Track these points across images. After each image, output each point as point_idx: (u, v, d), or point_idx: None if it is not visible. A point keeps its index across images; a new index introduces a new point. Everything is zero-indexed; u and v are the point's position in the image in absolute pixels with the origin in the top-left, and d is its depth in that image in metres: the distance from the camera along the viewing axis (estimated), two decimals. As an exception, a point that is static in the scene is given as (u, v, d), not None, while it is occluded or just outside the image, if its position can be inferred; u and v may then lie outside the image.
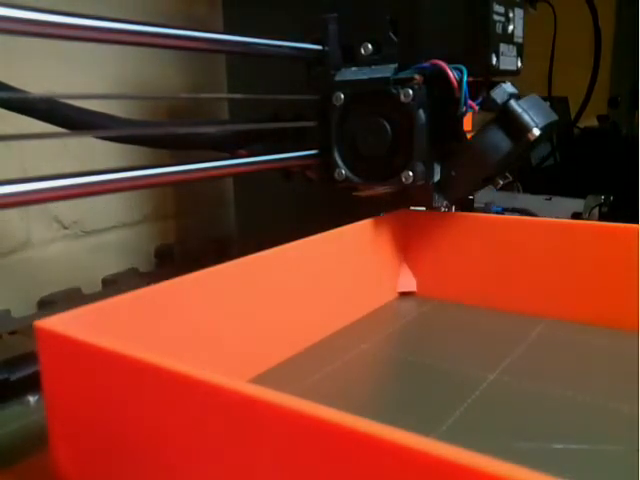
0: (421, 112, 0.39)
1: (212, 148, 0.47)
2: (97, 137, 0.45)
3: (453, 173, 0.41)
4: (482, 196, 0.65)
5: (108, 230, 0.65)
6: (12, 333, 0.47)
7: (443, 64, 0.38)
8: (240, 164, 0.39)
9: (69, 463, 0.23)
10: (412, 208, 0.45)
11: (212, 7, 0.71)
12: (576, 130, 0.90)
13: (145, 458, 0.21)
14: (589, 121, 0.94)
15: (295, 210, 0.59)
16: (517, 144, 0.38)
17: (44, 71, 0.55)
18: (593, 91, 0.81)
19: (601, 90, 0.95)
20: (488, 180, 0.43)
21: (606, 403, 0.30)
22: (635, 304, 0.37)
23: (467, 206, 0.52)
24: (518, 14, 0.42)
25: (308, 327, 0.37)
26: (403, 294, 0.46)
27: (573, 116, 0.86)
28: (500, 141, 0.38)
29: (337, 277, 0.39)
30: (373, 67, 0.41)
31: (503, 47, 0.40)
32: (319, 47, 0.43)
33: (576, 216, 0.64)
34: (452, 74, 0.38)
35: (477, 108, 0.39)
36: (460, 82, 0.38)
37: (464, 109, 0.38)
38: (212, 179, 0.43)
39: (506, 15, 0.40)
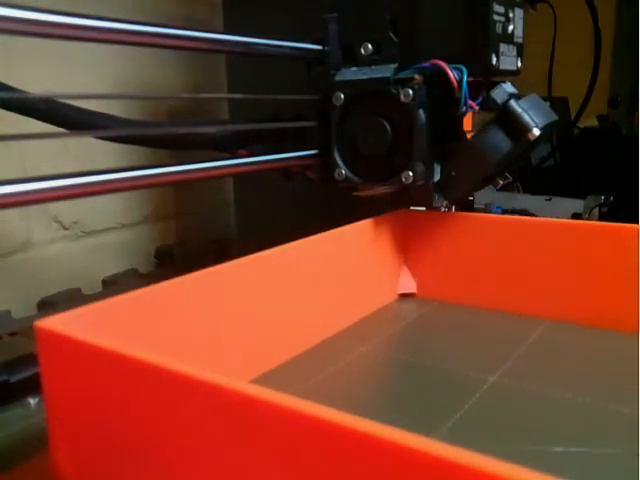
0: (421, 112, 0.39)
1: (212, 148, 0.47)
2: (97, 137, 0.45)
3: (453, 173, 0.41)
4: (482, 197, 0.65)
5: (108, 231, 0.65)
6: (12, 334, 0.46)
7: (443, 64, 0.38)
8: (240, 164, 0.39)
9: (69, 463, 0.23)
10: (412, 208, 0.45)
11: (212, 8, 0.71)
12: (576, 130, 0.90)
13: (145, 458, 0.21)
14: (589, 121, 0.94)
15: (295, 210, 0.59)
16: (517, 144, 0.38)
17: (44, 71, 0.55)
18: (593, 91, 0.81)
19: (601, 90, 0.95)
20: (488, 180, 0.43)
21: (606, 405, 0.29)
22: (635, 306, 0.37)
23: (467, 207, 0.52)
24: (518, 14, 0.42)
25: (308, 328, 0.37)
26: (403, 295, 0.46)
27: (573, 116, 0.86)
28: (500, 141, 0.38)
29: (337, 278, 0.39)
30: (373, 67, 0.41)
31: (503, 47, 0.40)
32: (319, 47, 0.43)
33: (576, 216, 0.64)
34: (452, 74, 0.38)
35: (477, 108, 0.39)
36: (460, 82, 0.38)
37: (464, 109, 0.38)
38: (212, 179, 0.43)
39: (506, 15, 0.40)
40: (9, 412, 0.33)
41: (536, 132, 0.37)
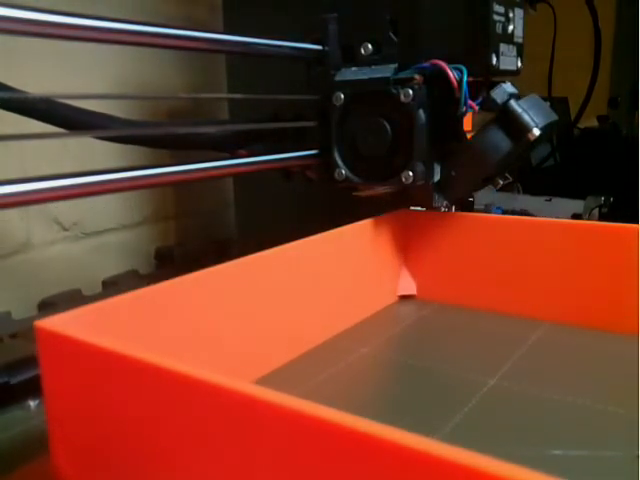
0: (421, 112, 0.39)
1: (212, 148, 0.47)
2: (97, 137, 0.45)
3: (453, 173, 0.41)
4: (482, 197, 0.65)
5: (108, 232, 0.65)
6: (13, 336, 0.46)
7: (443, 64, 0.38)
8: (240, 164, 0.39)
9: (69, 464, 0.23)
10: (412, 208, 0.45)
11: (212, 9, 0.71)
12: (576, 131, 0.90)
13: (145, 458, 0.21)
14: (589, 122, 0.94)
15: (295, 210, 0.59)
16: (517, 144, 0.38)
17: (44, 72, 0.55)
18: (593, 91, 0.81)
19: (601, 90, 0.95)
20: (488, 180, 0.43)
21: (606, 407, 0.29)
22: (635, 307, 0.37)
23: (467, 208, 0.52)
24: (518, 14, 0.42)
25: (308, 329, 0.37)
26: (403, 297, 0.46)
27: (573, 117, 0.86)
28: (500, 141, 0.38)
29: (337, 278, 0.39)
30: (373, 67, 0.41)
31: (503, 47, 0.40)
32: (319, 47, 0.43)
33: (576, 217, 0.64)
34: (452, 74, 0.38)
35: (477, 108, 0.39)
36: (460, 82, 0.38)
37: (464, 109, 0.38)
38: (212, 179, 0.43)
39: (506, 15, 0.40)
40: (9, 414, 0.33)
41: (536, 132, 0.37)
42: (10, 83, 0.36)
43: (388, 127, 0.40)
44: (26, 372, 0.34)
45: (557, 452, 0.26)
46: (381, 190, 0.43)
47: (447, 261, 0.44)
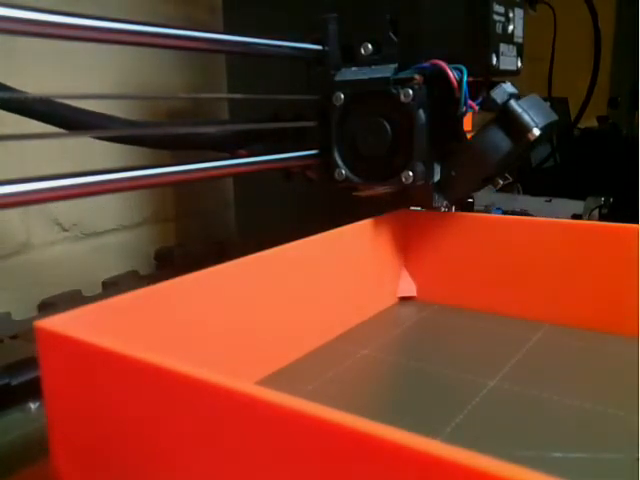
0: (421, 112, 0.39)
1: (212, 148, 0.47)
2: (97, 138, 0.45)
3: (453, 173, 0.41)
4: (482, 198, 0.66)
5: (108, 232, 0.65)
6: (13, 337, 0.46)
7: (443, 64, 0.38)
8: (240, 164, 0.39)
9: (69, 464, 0.23)
10: (412, 208, 0.45)
11: (212, 9, 0.71)
12: (576, 131, 0.90)
13: (145, 458, 0.21)
14: (589, 122, 0.94)
15: (295, 210, 0.59)
16: (517, 144, 0.38)
17: (44, 72, 0.55)
18: (593, 92, 0.81)
19: (601, 91, 0.95)
20: (488, 180, 0.43)
21: (606, 409, 0.29)
22: (635, 309, 0.36)
23: (467, 209, 0.52)
24: (518, 14, 0.42)
25: (309, 331, 0.37)
26: (403, 299, 0.45)
27: (573, 117, 0.86)
28: (500, 141, 0.38)
29: (337, 279, 0.39)
30: (373, 67, 0.41)
31: (503, 47, 0.40)
32: (319, 47, 0.43)
33: (576, 218, 0.64)
34: (452, 74, 0.38)
35: (477, 108, 0.39)
36: (460, 82, 0.38)
37: (464, 109, 0.38)
38: (212, 179, 0.43)
39: (506, 15, 0.40)
40: (9, 417, 0.33)
41: (536, 132, 0.37)
42: (10, 83, 0.36)
43: (388, 127, 0.40)
44: (27, 373, 0.34)
45: (557, 454, 0.26)
46: (381, 190, 0.42)
47: (447, 262, 0.44)
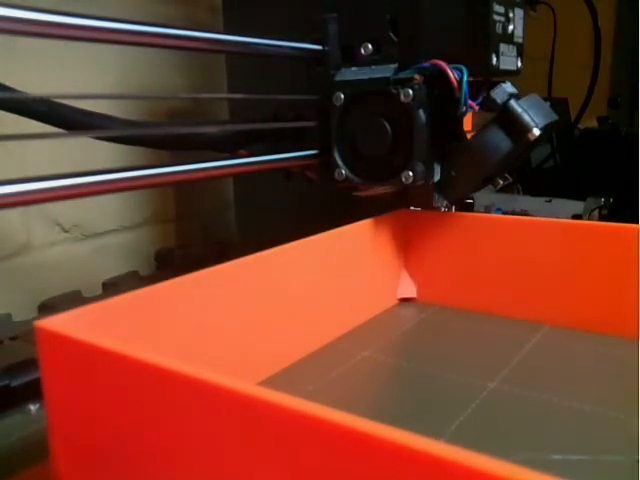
0: (421, 112, 0.39)
1: (212, 148, 0.47)
2: (97, 138, 0.45)
3: (453, 173, 0.41)
4: (482, 198, 0.66)
5: (108, 233, 0.65)
6: (13, 338, 0.46)
7: (443, 64, 0.38)
8: (240, 164, 0.39)
9: (69, 465, 0.23)
10: (412, 208, 0.45)
11: (212, 9, 0.71)
12: (576, 131, 0.90)
13: (146, 459, 0.21)
14: (589, 122, 0.94)
15: (295, 210, 0.59)
16: (517, 144, 0.38)
17: (44, 72, 0.55)
18: (593, 92, 0.81)
19: (601, 91, 0.95)
20: (488, 180, 0.43)
21: (606, 412, 0.29)
22: (636, 311, 0.36)
23: (467, 210, 0.52)
24: (518, 14, 0.42)
25: (308, 333, 0.37)
26: (403, 300, 0.45)
27: (573, 117, 0.86)
28: (500, 141, 0.38)
29: (337, 279, 0.39)
30: (373, 67, 0.41)
31: (503, 47, 0.40)
32: (319, 47, 0.43)
33: (576, 218, 0.64)
34: (452, 74, 0.38)
35: (477, 108, 0.39)
36: (460, 82, 0.38)
37: (464, 109, 0.38)
38: (212, 179, 0.43)
39: (506, 15, 0.40)
40: (9, 419, 0.33)
41: (536, 132, 0.37)
42: (10, 83, 0.36)
43: (388, 127, 0.40)
44: (27, 375, 0.34)
45: (557, 457, 0.26)
46: (381, 190, 0.42)
47: (447, 262, 0.44)
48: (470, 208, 0.56)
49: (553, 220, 0.40)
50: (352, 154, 0.42)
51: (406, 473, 0.14)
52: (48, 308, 0.53)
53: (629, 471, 0.25)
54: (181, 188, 0.71)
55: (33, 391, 0.32)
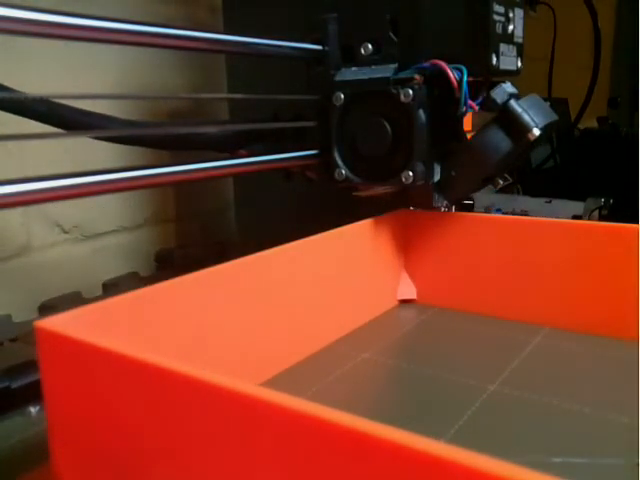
0: (421, 112, 0.39)
1: (212, 148, 0.47)
2: (97, 138, 0.45)
3: (453, 173, 0.41)
4: (482, 199, 0.65)
5: (108, 234, 0.65)
6: (13, 340, 0.46)
7: (443, 64, 0.38)
8: (240, 164, 0.39)
9: (69, 466, 0.23)
10: (412, 208, 0.45)
11: (212, 9, 0.71)
12: (576, 132, 0.90)
13: (146, 459, 0.21)
14: (589, 122, 0.94)
15: (295, 210, 0.59)
16: (517, 144, 0.38)
17: (44, 73, 0.55)
18: (593, 92, 0.81)
19: (601, 91, 0.95)
20: (488, 180, 0.43)
21: (606, 414, 0.29)
22: (636, 313, 0.36)
23: (467, 211, 0.52)
24: (518, 14, 0.42)
25: (308, 334, 0.37)
26: (403, 301, 0.45)
27: (573, 117, 0.86)
28: (500, 141, 0.38)
29: (337, 280, 0.39)
30: (373, 67, 0.41)
31: (503, 47, 0.40)
32: (319, 47, 0.43)
33: (576, 219, 0.64)
34: (452, 74, 0.38)
35: (477, 108, 0.39)
36: (460, 82, 0.38)
37: (464, 109, 0.38)
38: (212, 179, 0.43)
39: (506, 15, 0.40)
40: (9, 421, 0.32)
41: (536, 132, 0.37)
42: (9, 84, 0.36)
43: (388, 127, 0.40)
44: (27, 377, 0.34)
45: (557, 459, 0.26)
46: (381, 190, 0.42)
47: (447, 263, 0.44)
48: (470, 209, 0.56)
49: (553, 220, 0.40)
50: (352, 154, 0.42)
51: (406, 473, 0.14)
52: (48, 309, 0.53)
53: (629, 474, 0.25)
54: (181, 188, 0.71)
55: (33, 393, 0.32)
